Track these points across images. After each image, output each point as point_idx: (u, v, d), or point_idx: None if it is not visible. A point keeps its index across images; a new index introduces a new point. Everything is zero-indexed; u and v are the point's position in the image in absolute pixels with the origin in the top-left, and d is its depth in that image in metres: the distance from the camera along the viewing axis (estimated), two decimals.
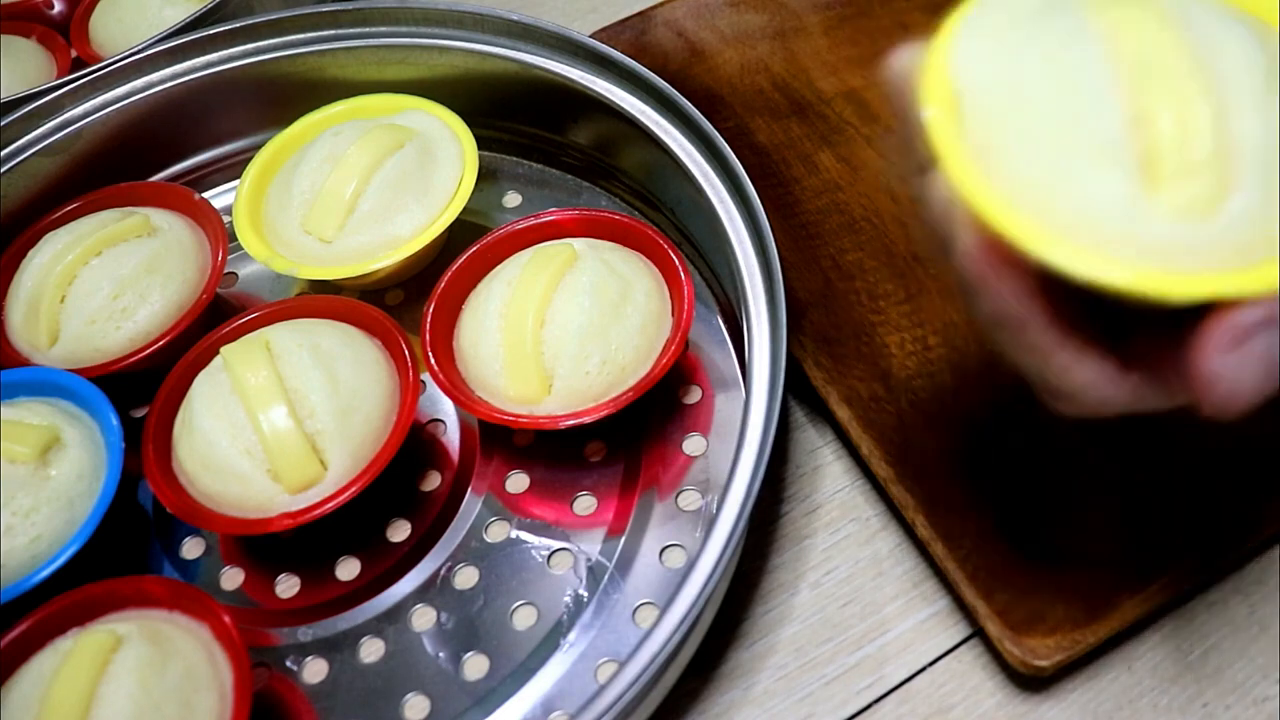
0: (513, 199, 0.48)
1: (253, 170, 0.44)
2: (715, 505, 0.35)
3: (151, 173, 0.49)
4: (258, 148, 0.45)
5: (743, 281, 0.36)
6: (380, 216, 0.41)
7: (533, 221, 0.41)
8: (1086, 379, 0.24)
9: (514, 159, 0.49)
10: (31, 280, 0.41)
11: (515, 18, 0.44)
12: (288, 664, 0.35)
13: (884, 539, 0.37)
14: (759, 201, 0.37)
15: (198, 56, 0.47)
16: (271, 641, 0.36)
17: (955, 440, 0.37)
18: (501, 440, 0.40)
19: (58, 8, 0.59)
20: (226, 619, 0.32)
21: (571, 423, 0.35)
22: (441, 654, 0.35)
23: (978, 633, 0.34)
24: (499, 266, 0.39)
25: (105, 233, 0.41)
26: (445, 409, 0.41)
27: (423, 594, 0.36)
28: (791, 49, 0.51)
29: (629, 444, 0.39)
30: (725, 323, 0.42)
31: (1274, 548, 0.35)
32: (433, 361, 0.37)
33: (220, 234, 0.43)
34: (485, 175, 0.45)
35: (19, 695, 0.31)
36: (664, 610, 0.30)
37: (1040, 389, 0.25)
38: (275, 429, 0.34)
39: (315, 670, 0.35)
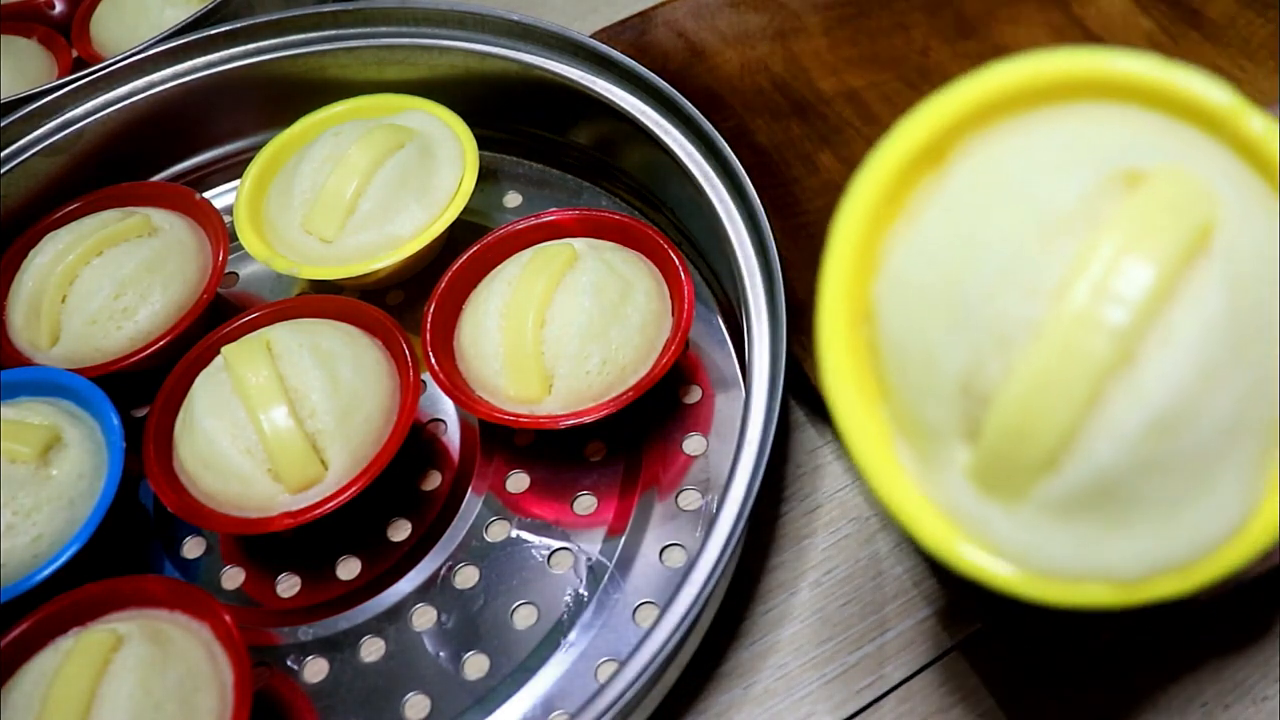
0: (513, 199, 0.48)
1: (253, 170, 0.44)
2: (715, 505, 0.35)
3: (152, 173, 0.49)
4: (258, 148, 0.45)
5: (743, 281, 0.36)
6: (381, 216, 0.41)
7: (533, 221, 0.41)
8: None
9: (514, 159, 0.49)
10: (33, 280, 0.41)
11: (516, 18, 0.44)
12: (288, 663, 0.35)
13: (884, 539, 0.37)
14: (759, 201, 0.37)
15: (199, 57, 0.47)
16: (272, 641, 0.36)
17: None
18: (502, 440, 0.40)
19: (59, 8, 0.59)
20: (227, 618, 0.32)
21: (572, 422, 0.35)
22: (442, 653, 0.35)
23: (978, 632, 0.34)
24: (499, 266, 0.39)
25: (106, 233, 0.41)
26: (446, 409, 0.41)
27: (423, 593, 0.36)
28: (791, 49, 0.51)
29: (629, 444, 0.39)
30: (725, 323, 0.42)
31: None
32: (433, 361, 0.37)
33: (221, 234, 0.43)
34: (485, 175, 0.45)
35: (20, 694, 0.31)
36: (664, 610, 0.30)
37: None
38: (276, 429, 0.34)
39: (316, 669, 0.35)
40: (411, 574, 0.37)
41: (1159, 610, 0.32)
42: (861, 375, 0.21)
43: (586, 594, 0.36)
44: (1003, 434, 0.19)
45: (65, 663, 0.30)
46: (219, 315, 0.41)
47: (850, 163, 0.46)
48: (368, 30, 0.46)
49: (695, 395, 0.40)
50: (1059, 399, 0.18)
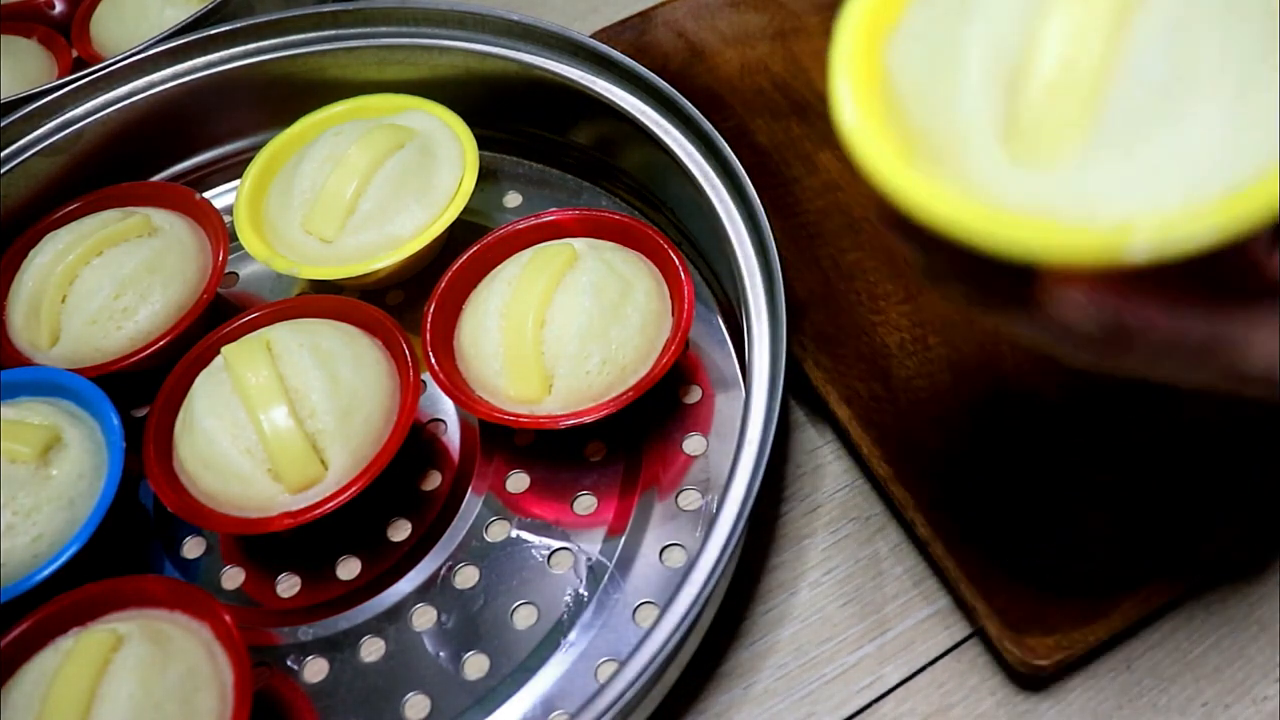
0: (513, 199, 0.48)
1: (253, 170, 0.44)
2: (715, 505, 0.35)
3: (152, 173, 0.49)
4: (258, 148, 0.45)
5: (743, 281, 0.36)
6: (381, 216, 0.41)
7: (533, 221, 0.41)
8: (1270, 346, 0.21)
9: (514, 159, 0.49)
10: (33, 280, 0.41)
11: (516, 18, 0.44)
12: (288, 663, 0.35)
13: (884, 539, 0.37)
14: (759, 201, 0.37)
15: (198, 57, 0.47)
16: (272, 641, 0.36)
17: (955, 440, 0.37)
18: (502, 440, 0.40)
19: (59, 8, 0.59)
20: (227, 618, 0.32)
21: (572, 422, 0.35)
22: (442, 653, 0.35)
23: (977, 632, 0.34)
24: (499, 266, 0.39)
25: (106, 233, 0.41)
26: (446, 409, 0.41)
27: (423, 593, 0.36)
28: (791, 49, 0.51)
29: (629, 444, 0.39)
30: (725, 323, 0.42)
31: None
32: (433, 361, 0.37)
33: (221, 234, 0.43)
34: (486, 175, 0.45)
35: (21, 694, 0.31)
36: (664, 610, 0.30)
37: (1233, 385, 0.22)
38: (276, 429, 0.34)
39: (316, 669, 0.35)
40: (411, 574, 0.37)
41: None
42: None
43: (586, 594, 0.36)
44: (1045, 84, 0.20)
45: (65, 663, 0.30)
46: (219, 315, 0.41)
47: (850, 163, 0.45)
48: (368, 30, 0.46)
49: (695, 395, 0.40)
50: (1089, 37, 0.19)
